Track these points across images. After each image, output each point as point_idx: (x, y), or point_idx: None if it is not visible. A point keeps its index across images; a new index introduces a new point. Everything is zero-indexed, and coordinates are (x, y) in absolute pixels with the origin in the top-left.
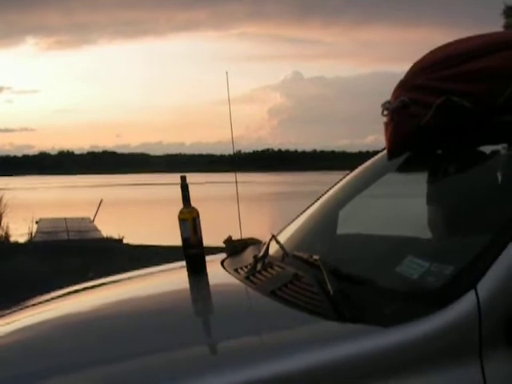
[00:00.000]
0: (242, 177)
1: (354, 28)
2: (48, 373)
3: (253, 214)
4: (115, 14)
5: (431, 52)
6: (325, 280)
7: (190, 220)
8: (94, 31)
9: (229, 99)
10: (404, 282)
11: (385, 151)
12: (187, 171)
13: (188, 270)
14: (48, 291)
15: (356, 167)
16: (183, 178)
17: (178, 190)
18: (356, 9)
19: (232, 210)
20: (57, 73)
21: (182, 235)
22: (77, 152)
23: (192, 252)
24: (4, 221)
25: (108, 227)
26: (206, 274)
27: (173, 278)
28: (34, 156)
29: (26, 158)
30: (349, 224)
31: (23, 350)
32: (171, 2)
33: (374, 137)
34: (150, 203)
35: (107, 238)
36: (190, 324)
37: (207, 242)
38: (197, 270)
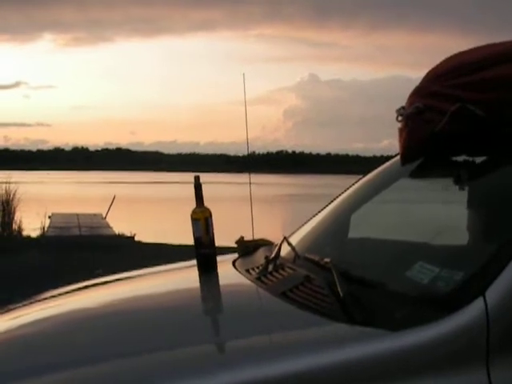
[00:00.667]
0: (255, 178)
1: (372, 32)
2: (50, 368)
3: (265, 215)
4: (132, 12)
5: (446, 59)
6: (335, 283)
7: (202, 220)
8: (110, 28)
9: (245, 101)
10: (414, 286)
11: (398, 156)
12: (201, 171)
13: (199, 270)
14: (57, 286)
15: (369, 171)
16: (197, 178)
17: (190, 189)
18: (374, 13)
19: (244, 211)
20: (73, 69)
21: (194, 234)
22: (91, 148)
23: (204, 251)
24: (17, 215)
25: (120, 224)
26: (217, 274)
27: (183, 277)
28: (49, 151)
29: (40, 152)
30: (361, 228)
31: (28, 344)
32: (188, 1)
33: (388, 141)
34: (163, 201)
35: (119, 234)
36: (199, 323)
37: (219, 242)
38: (208, 270)
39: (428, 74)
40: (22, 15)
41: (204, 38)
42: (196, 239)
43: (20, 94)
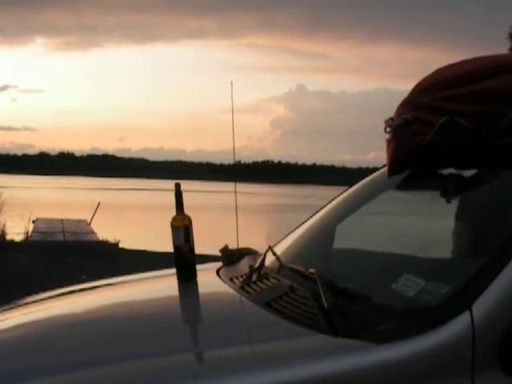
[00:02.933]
0: (240, 187)
1: (363, 44)
2: (29, 373)
3: (249, 224)
4: (124, 18)
5: (435, 72)
6: (320, 294)
7: (182, 227)
8: (102, 34)
9: (232, 109)
10: (399, 299)
11: (385, 168)
12: (186, 178)
13: (178, 278)
14: (41, 291)
15: (355, 182)
16: (177, 186)
17: (174, 197)
18: (366, 25)
19: (228, 220)
20: (63, 74)
21: (173, 242)
22: (77, 154)
23: (183, 259)
24: (1, 219)
25: (104, 230)
26: (197, 282)
27: (166, 285)
28: (34, 156)
29: (26, 157)
30: (346, 239)
31: (9, 349)
32: (180, 9)
33: (375, 153)
34: (147, 208)
35: (103, 241)
36: (181, 331)
37: (203, 250)
38: (187, 278)
39: (417, 85)
40: (14, 18)
41: (194, 46)
42: (176, 247)
43: (8, 97)
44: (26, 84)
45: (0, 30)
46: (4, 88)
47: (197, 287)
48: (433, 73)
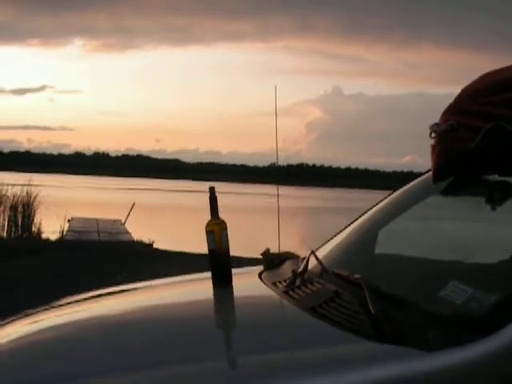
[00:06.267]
0: (274, 189)
1: (400, 47)
2: (66, 375)
3: (283, 226)
4: (162, 21)
5: (481, 77)
6: (366, 299)
7: (216, 232)
8: (140, 36)
9: (276, 114)
10: (447, 306)
11: (429, 173)
12: (220, 180)
13: (213, 283)
14: (76, 291)
15: (389, 186)
16: (212, 190)
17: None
18: (403, 28)
19: (260, 222)
20: (101, 75)
21: (208, 247)
22: (112, 154)
23: (218, 264)
24: (37, 217)
25: (139, 231)
26: (232, 287)
27: (203, 288)
28: (70, 155)
29: (61, 156)
30: (389, 244)
31: (46, 350)
32: (218, 12)
33: (410, 157)
34: (181, 209)
35: (137, 241)
36: (226, 336)
37: (240, 253)
38: (223, 283)
39: (463, 91)
40: (53, 20)
41: (231, 49)
42: (210, 252)
43: (46, 97)
44: (63, 85)
45: (40, 32)
46: (42, 88)
47: (232, 292)
48: (479, 78)
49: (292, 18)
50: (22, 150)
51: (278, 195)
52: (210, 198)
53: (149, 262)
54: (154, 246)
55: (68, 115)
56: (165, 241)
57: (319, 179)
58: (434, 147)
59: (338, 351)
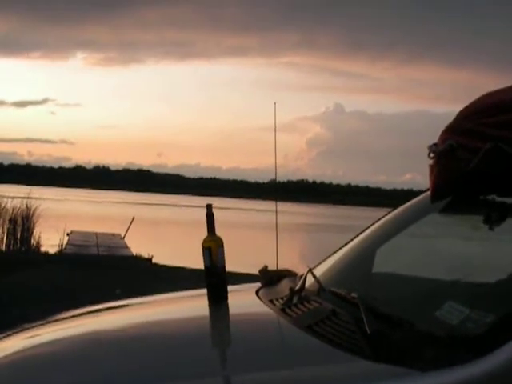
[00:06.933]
0: (273, 206)
1: (403, 65)
2: None
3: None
4: (166, 35)
5: (481, 97)
6: (362, 318)
7: (213, 249)
8: (143, 50)
9: (275, 131)
10: (443, 326)
11: (427, 193)
12: (220, 196)
13: (209, 299)
14: (73, 305)
15: (390, 204)
16: (209, 207)
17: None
18: (406, 46)
19: (259, 238)
20: (102, 88)
21: (204, 263)
22: (112, 168)
23: (214, 281)
24: (36, 230)
25: (138, 245)
26: (227, 304)
27: (198, 305)
28: (70, 168)
29: (62, 169)
30: (387, 263)
31: (42, 364)
32: (220, 27)
33: (411, 175)
34: (181, 224)
35: (136, 256)
36: (219, 354)
37: (237, 268)
38: (219, 299)
39: (462, 111)
40: (55, 33)
41: (233, 64)
42: (206, 268)
43: (47, 110)
44: (64, 98)
45: (41, 45)
46: (43, 101)
47: (228, 309)
48: (478, 98)
49: (295, 34)
50: (23, 162)
51: (276, 212)
52: (207, 215)
53: (147, 277)
54: (154, 260)
55: (69, 128)
56: (164, 255)
57: (320, 196)
58: (432, 167)
59: (334, 370)
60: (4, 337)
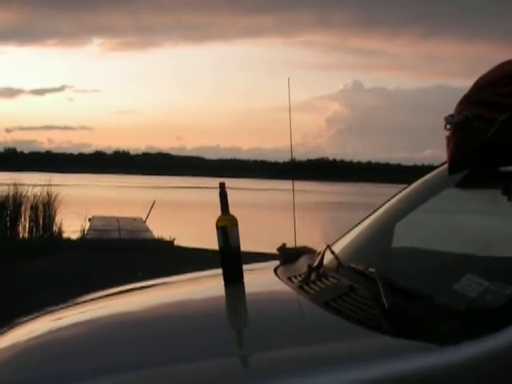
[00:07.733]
0: (295, 185)
1: (420, 41)
2: (86, 373)
3: (303, 222)
4: (182, 18)
5: (496, 67)
6: (380, 293)
7: (227, 228)
8: (159, 34)
9: (289, 106)
10: (462, 300)
11: (445, 166)
12: (241, 177)
13: (224, 279)
14: (96, 288)
15: (410, 180)
16: (222, 185)
17: (230, 195)
18: (423, 22)
19: (281, 218)
20: (120, 74)
21: (218, 243)
22: (132, 152)
23: (228, 261)
24: (58, 217)
25: (160, 228)
26: (243, 283)
27: (214, 285)
28: (90, 154)
29: (82, 155)
30: (405, 238)
31: (67, 347)
32: (237, 7)
33: (431, 151)
34: (202, 206)
35: (158, 239)
36: (239, 332)
37: (258, 248)
38: (233, 279)
39: (477, 81)
40: (72, 20)
41: (251, 45)
42: (220, 248)
43: (65, 97)
44: (82, 84)
45: (58, 32)
46: (61, 88)
47: (244, 288)
48: (493, 68)
49: (311, 12)
50: (43, 150)
51: (293, 189)
52: (220, 195)
53: (169, 260)
54: (175, 243)
55: (88, 114)
56: (186, 238)
57: (340, 174)
58: (449, 139)
59: (352, 346)
60: (29, 320)
